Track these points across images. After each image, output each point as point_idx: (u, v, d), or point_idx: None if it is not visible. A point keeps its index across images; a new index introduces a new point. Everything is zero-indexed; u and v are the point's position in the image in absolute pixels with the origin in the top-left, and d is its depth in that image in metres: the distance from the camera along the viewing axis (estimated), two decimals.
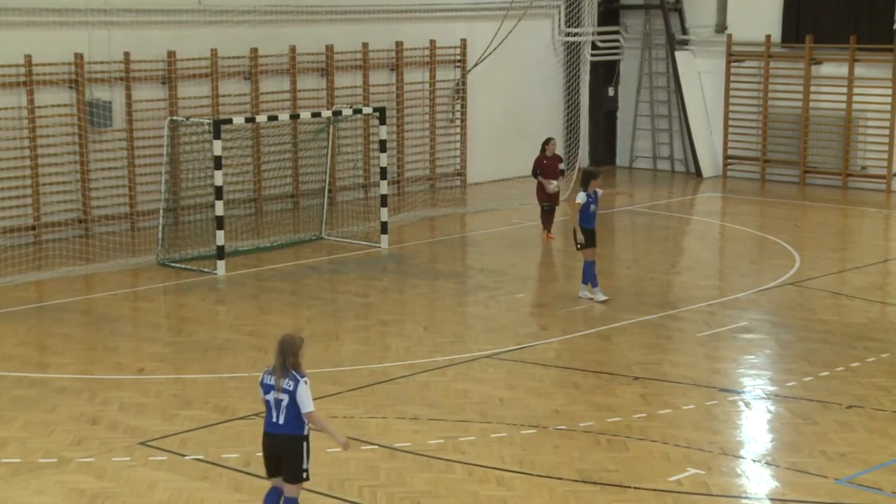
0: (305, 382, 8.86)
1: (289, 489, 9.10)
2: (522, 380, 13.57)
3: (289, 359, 8.88)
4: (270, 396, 8.94)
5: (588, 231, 16.57)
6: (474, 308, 16.81)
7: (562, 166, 20.51)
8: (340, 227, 21.54)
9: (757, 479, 10.64)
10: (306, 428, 8.98)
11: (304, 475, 9.07)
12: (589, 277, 16.72)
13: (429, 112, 25.72)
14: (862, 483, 10.39)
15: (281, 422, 8.90)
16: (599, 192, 16.74)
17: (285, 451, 8.99)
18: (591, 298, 16.63)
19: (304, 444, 9.00)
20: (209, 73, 22.19)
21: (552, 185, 20.50)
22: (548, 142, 20.71)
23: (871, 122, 25.93)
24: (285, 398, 8.87)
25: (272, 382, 8.93)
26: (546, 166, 20.78)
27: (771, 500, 10.15)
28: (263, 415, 9.14)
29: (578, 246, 16.64)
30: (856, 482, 10.42)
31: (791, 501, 10.07)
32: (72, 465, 10.90)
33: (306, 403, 8.86)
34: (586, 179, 16.63)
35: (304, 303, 16.87)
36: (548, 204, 20.73)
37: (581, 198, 16.50)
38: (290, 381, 8.86)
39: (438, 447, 11.25)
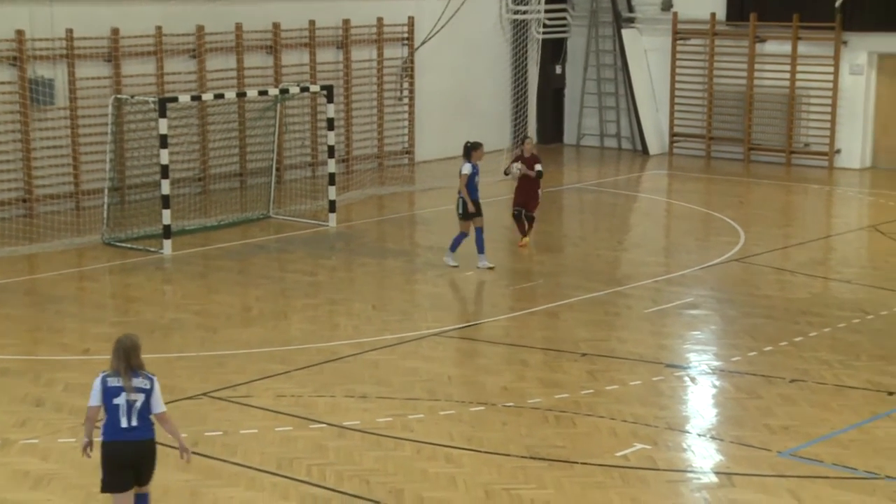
0: (156, 381, 8.53)
1: (143, 489, 8.71)
2: (471, 357, 13.64)
3: (133, 359, 8.46)
4: (121, 400, 8.39)
5: (473, 202, 16.99)
6: (423, 286, 16.84)
7: (539, 167, 18.34)
8: (288, 206, 21.45)
9: (702, 454, 10.78)
10: (154, 430, 8.58)
11: (145, 479, 8.70)
12: (456, 243, 17.30)
13: (376, 90, 25.65)
14: (803, 455, 10.57)
15: (134, 424, 8.41)
16: (479, 164, 17.21)
17: (145, 457, 8.55)
18: (491, 267, 17.14)
19: (155, 446, 8.61)
20: (154, 51, 21.97)
21: (514, 168, 18.61)
22: (524, 140, 19.63)
23: (813, 100, 26.22)
24: (140, 399, 8.41)
25: (119, 384, 8.41)
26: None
27: (715, 473, 10.30)
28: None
29: (460, 213, 17.10)
30: (798, 455, 10.59)
31: (735, 474, 10.22)
32: (16, 446, 10.81)
33: (161, 403, 8.52)
34: (468, 151, 17.09)
35: (251, 282, 16.81)
36: (518, 209, 18.52)
37: (467, 168, 16.94)
38: (146, 381, 8.46)
39: (387, 425, 11.28)
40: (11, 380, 12.62)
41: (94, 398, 8.51)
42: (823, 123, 26.13)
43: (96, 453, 8.65)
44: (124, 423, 8.43)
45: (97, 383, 8.53)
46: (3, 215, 20.22)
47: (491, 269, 17.13)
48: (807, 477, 10.12)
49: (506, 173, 18.84)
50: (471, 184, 17.02)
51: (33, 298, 15.99)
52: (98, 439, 8.61)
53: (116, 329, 14.53)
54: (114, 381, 8.47)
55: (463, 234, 17.26)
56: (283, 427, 11.24)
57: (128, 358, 8.48)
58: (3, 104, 20.36)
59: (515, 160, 18.53)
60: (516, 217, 18.44)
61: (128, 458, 8.49)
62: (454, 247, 17.32)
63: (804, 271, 17.31)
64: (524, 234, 18.35)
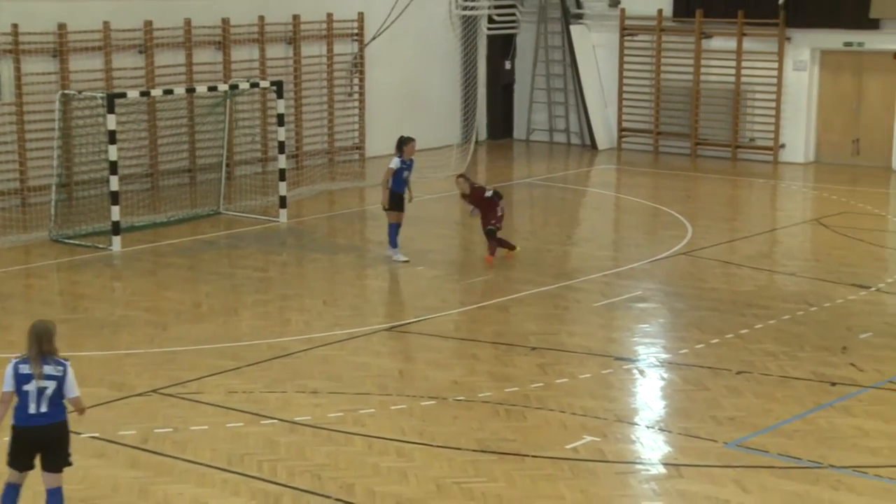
0: (70, 366, 8.66)
1: (53, 479, 8.79)
2: (422, 352, 13.70)
3: (45, 345, 8.60)
4: (31, 386, 8.55)
5: (397, 195, 17.20)
6: (373, 281, 16.88)
7: (489, 193, 17.41)
8: (238, 202, 21.39)
9: (650, 445, 10.92)
10: (65, 415, 8.74)
11: (69, 460, 8.86)
12: (393, 238, 17.44)
13: (327, 86, 25.62)
14: (750, 446, 10.74)
15: (44, 410, 8.57)
16: (414, 159, 17.39)
17: (53, 441, 8.70)
18: (397, 260, 17.28)
19: (68, 428, 8.78)
20: (102, 46, 21.80)
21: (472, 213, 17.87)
22: (457, 180, 18.15)
23: (758, 95, 26.55)
24: (51, 385, 8.56)
25: (30, 371, 8.57)
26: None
27: (664, 464, 10.44)
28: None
29: (385, 207, 17.32)
30: (744, 445, 10.77)
31: (683, 465, 10.37)
32: None
33: (75, 387, 8.66)
34: (400, 145, 17.25)
35: (201, 278, 16.76)
36: (490, 228, 17.61)
37: (394, 163, 17.15)
38: (58, 367, 8.60)
39: (338, 420, 11.32)
40: None
41: (7, 384, 8.71)
42: (768, 118, 26.47)
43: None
44: (33, 409, 8.63)
45: (9, 369, 8.73)
46: None
47: (406, 262, 17.30)
48: (752, 467, 10.29)
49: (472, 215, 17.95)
50: (397, 178, 17.17)
51: None
52: (11, 423, 8.78)
53: (65, 326, 14.43)
54: (24, 369, 8.66)
55: (395, 225, 17.41)
56: (233, 423, 11.24)
57: (39, 344, 8.63)
58: None
59: (464, 198, 17.67)
60: (489, 234, 17.47)
61: (35, 441, 8.72)
62: (392, 241, 17.44)
63: (750, 264, 17.55)
64: (510, 247, 17.70)
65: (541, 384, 12.34)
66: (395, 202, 17.32)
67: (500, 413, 11.55)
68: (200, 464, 10.31)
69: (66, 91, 20.05)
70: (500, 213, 17.57)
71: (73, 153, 21.08)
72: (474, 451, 10.61)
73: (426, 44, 27.36)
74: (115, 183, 18.07)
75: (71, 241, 18.46)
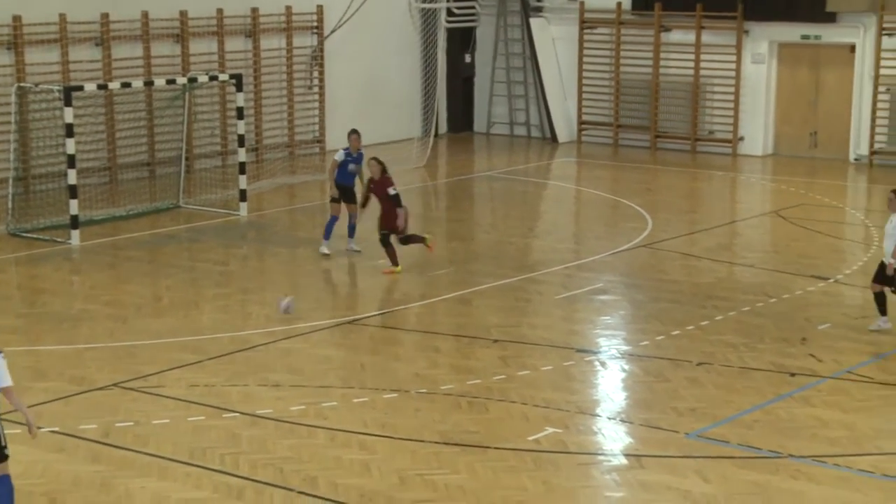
0: (3, 357, 8.56)
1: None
2: (384, 345, 13.70)
3: None
4: None
5: (342, 187, 17.22)
6: (335, 274, 16.85)
7: (392, 190, 16.40)
8: (198, 196, 21.27)
9: (612, 436, 10.99)
10: None
11: (4, 454, 8.68)
12: (327, 230, 17.40)
13: (286, 79, 25.52)
14: (710, 436, 10.83)
15: None
16: (364, 152, 17.30)
17: None
18: (323, 252, 17.27)
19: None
20: (58, 39, 21.59)
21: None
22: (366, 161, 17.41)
23: (717, 88, 26.72)
24: None
25: None
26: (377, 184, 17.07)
27: (625, 455, 10.50)
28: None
29: (331, 199, 17.35)
30: (705, 436, 10.85)
31: (644, 456, 10.44)
32: None
33: (6, 377, 8.53)
34: (348, 137, 17.44)
35: (162, 271, 16.66)
36: (384, 233, 16.62)
37: (339, 155, 17.28)
38: None
39: (300, 413, 11.30)
40: None
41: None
42: (727, 111, 26.64)
43: None
44: None
45: None
46: None
47: (357, 252, 17.35)
48: (713, 457, 10.38)
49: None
50: (342, 170, 17.22)
51: None
52: None
53: (23, 321, 14.34)
54: None
55: (334, 218, 17.44)
56: (195, 417, 11.19)
57: None
58: None
59: (369, 185, 16.70)
60: (383, 242, 16.47)
61: None
62: (327, 232, 17.42)
63: (710, 256, 17.67)
64: (394, 262, 16.38)
65: (503, 376, 12.38)
66: (341, 194, 17.36)
67: (463, 405, 11.57)
68: (162, 457, 10.27)
69: (22, 84, 19.84)
70: (401, 222, 16.30)
71: (30, 146, 20.86)
72: (437, 443, 10.63)
73: (386, 37, 27.32)
74: (73, 176, 17.92)
75: (29, 235, 18.28)
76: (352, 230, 17.53)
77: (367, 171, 16.80)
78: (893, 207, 13.60)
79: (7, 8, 20.94)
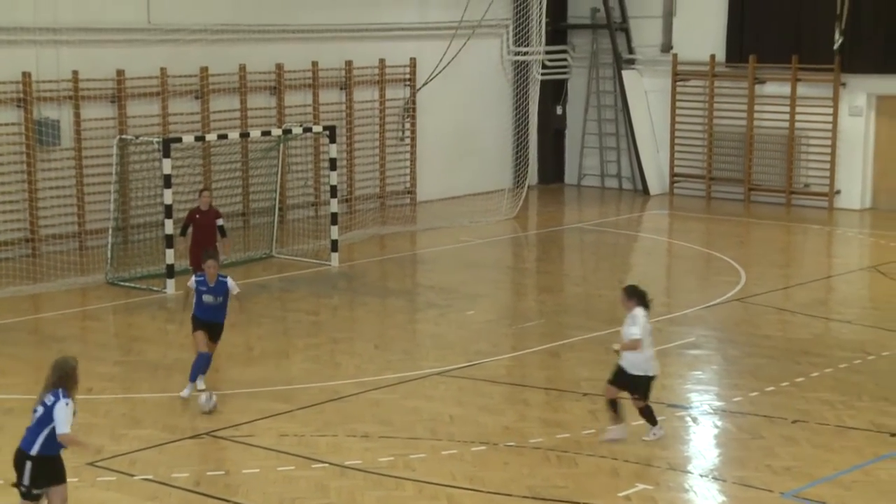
0: (67, 404, 8.96)
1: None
2: (472, 397, 13.65)
3: (53, 377, 9.07)
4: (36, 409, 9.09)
5: (199, 320, 13.34)
6: (424, 325, 16.88)
7: (220, 222, 16.26)
8: (291, 245, 21.53)
9: (704, 494, 10.78)
10: (35, 448, 8.97)
11: (22, 490, 9.07)
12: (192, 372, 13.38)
13: (378, 130, 25.80)
14: (807, 496, 10.57)
15: (25, 434, 9.04)
16: (231, 282, 13.49)
17: (17, 465, 9.06)
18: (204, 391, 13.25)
19: (28, 462, 8.98)
20: (159, 92, 22.13)
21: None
22: (200, 193, 17.44)
23: (813, 141, 26.36)
24: (39, 410, 8.99)
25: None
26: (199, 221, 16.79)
27: None
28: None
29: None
30: (801, 496, 10.60)
31: None
32: None
33: (63, 424, 8.93)
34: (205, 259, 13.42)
35: (254, 321, 16.84)
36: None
37: (191, 282, 13.46)
38: (51, 397, 9.00)
39: (389, 464, 11.30)
40: (15, 419, 12.58)
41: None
42: (823, 164, 26.25)
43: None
44: (26, 432, 9.08)
45: None
46: (7, 255, 20.28)
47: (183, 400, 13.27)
48: None
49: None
50: (198, 299, 13.28)
51: (37, 338, 16.03)
52: None
53: (119, 368, 14.60)
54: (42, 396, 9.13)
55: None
56: (285, 467, 11.25)
57: (51, 374, 9.15)
58: (9, 145, 20.48)
59: (190, 216, 16.67)
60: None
61: (14, 461, 9.10)
62: (194, 375, 13.33)
63: (805, 311, 17.35)
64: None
65: (592, 430, 12.25)
66: (197, 324, 13.36)
67: (552, 459, 11.47)
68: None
69: (123, 136, 20.34)
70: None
71: (129, 197, 21.35)
72: (525, 497, 10.53)
73: (478, 89, 27.49)
74: (169, 226, 18.26)
75: (126, 284, 18.66)
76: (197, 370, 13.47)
77: (200, 201, 16.97)
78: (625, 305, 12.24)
79: (111, 62, 21.53)
